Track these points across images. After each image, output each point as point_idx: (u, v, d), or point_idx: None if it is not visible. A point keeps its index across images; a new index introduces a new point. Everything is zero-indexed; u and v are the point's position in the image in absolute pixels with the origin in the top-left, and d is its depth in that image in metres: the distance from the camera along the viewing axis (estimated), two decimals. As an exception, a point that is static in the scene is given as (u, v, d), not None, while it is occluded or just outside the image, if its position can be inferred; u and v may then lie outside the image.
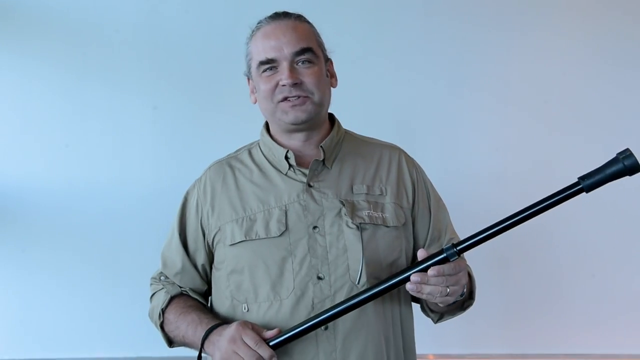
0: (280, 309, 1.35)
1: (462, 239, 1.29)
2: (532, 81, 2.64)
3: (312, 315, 1.32)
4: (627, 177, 1.20)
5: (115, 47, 2.63)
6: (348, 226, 1.37)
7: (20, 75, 2.62)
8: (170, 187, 2.28)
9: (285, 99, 1.39)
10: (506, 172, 2.62)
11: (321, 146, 1.44)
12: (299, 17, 1.44)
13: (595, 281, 2.59)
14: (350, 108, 1.72)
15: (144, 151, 2.61)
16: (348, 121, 1.56)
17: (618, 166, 1.19)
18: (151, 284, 1.56)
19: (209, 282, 1.51)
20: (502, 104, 2.64)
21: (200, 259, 1.49)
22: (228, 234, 1.42)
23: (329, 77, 1.47)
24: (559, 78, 2.64)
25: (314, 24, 1.48)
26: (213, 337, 1.34)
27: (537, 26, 2.66)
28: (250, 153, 1.52)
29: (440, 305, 1.35)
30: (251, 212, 1.41)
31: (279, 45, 1.39)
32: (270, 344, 1.29)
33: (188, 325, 1.41)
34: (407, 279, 1.27)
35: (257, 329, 1.31)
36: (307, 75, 1.39)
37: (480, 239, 1.25)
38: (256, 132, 1.53)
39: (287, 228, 1.38)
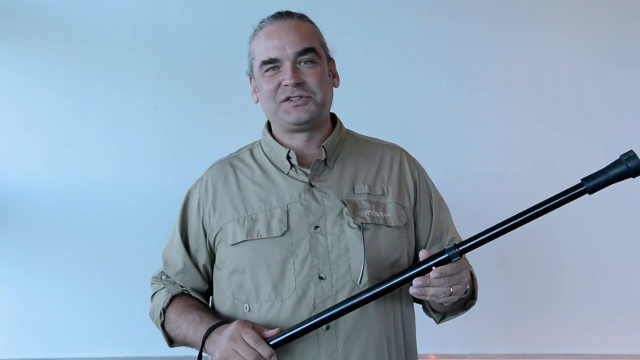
0: (282, 308, 1.35)
1: (463, 239, 1.29)
2: (533, 81, 2.64)
3: (313, 315, 1.31)
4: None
5: (115, 47, 2.63)
6: (350, 226, 1.37)
7: (20, 75, 2.62)
8: (171, 187, 2.27)
9: (287, 99, 1.39)
10: (506, 172, 2.62)
11: (323, 146, 1.44)
12: (302, 17, 1.44)
13: (596, 281, 2.59)
14: (350, 108, 1.72)
15: (145, 151, 2.61)
16: (349, 121, 1.56)
17: (621, 168, 1.18)
18: (152, 284, 1.55)
19: (210, 282, 1.51)
20: (502, 104, 2.64)
21: (202, 258, 1.48)
22: (229, 233, 1.41)
23: (332, 77, 1.47)
24: (559, 78, 2.64)
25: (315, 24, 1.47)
26: (213, 335, 1.34)
27: (537, 26, 2.66)
28: (251, 153, 1.51)
29: (445, 304, 1.34)
30: (253, 211, 1.41)
31: (281, 45, 1.38)
32: (271, 342, 1.29)
33: (189, 324, 1.40)
34: (409, 279, 1.26)
35: (257, 328, 1.31)
36: (310, 75, 1.38)
37: (483, 239, 1.25)
38: (257, 132, 1.53)
39: (288, 228, 1.38)
